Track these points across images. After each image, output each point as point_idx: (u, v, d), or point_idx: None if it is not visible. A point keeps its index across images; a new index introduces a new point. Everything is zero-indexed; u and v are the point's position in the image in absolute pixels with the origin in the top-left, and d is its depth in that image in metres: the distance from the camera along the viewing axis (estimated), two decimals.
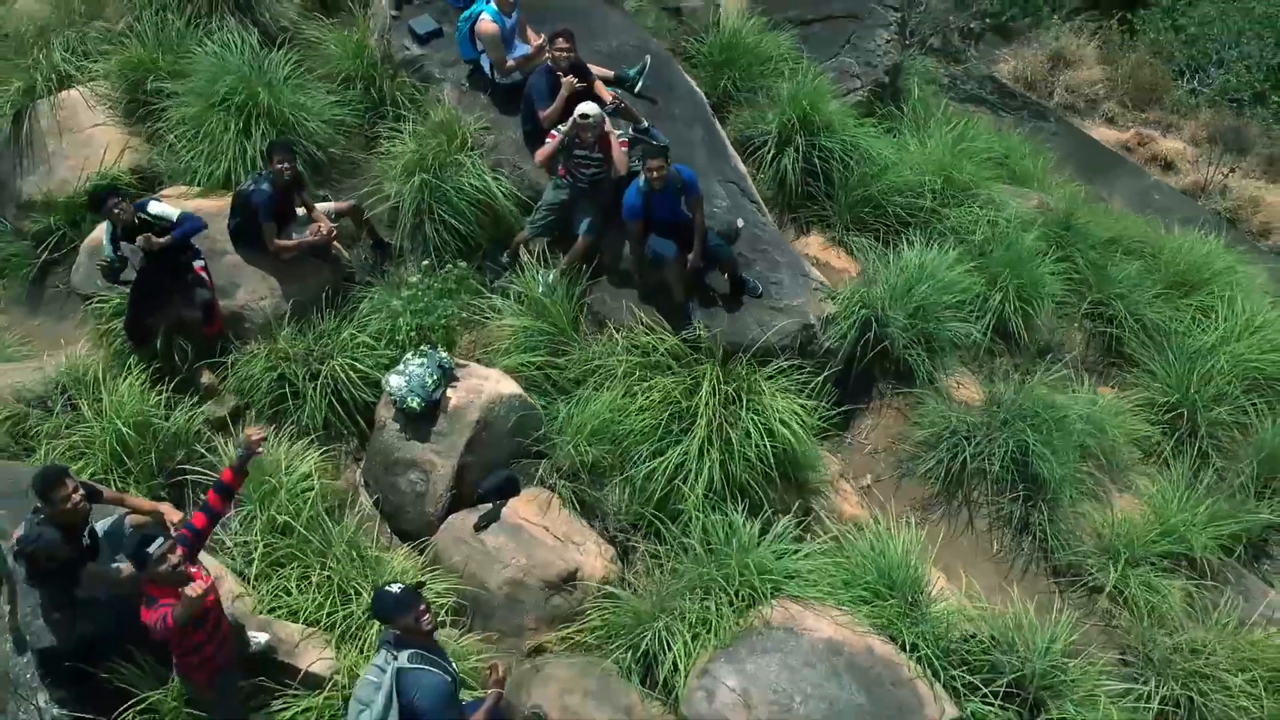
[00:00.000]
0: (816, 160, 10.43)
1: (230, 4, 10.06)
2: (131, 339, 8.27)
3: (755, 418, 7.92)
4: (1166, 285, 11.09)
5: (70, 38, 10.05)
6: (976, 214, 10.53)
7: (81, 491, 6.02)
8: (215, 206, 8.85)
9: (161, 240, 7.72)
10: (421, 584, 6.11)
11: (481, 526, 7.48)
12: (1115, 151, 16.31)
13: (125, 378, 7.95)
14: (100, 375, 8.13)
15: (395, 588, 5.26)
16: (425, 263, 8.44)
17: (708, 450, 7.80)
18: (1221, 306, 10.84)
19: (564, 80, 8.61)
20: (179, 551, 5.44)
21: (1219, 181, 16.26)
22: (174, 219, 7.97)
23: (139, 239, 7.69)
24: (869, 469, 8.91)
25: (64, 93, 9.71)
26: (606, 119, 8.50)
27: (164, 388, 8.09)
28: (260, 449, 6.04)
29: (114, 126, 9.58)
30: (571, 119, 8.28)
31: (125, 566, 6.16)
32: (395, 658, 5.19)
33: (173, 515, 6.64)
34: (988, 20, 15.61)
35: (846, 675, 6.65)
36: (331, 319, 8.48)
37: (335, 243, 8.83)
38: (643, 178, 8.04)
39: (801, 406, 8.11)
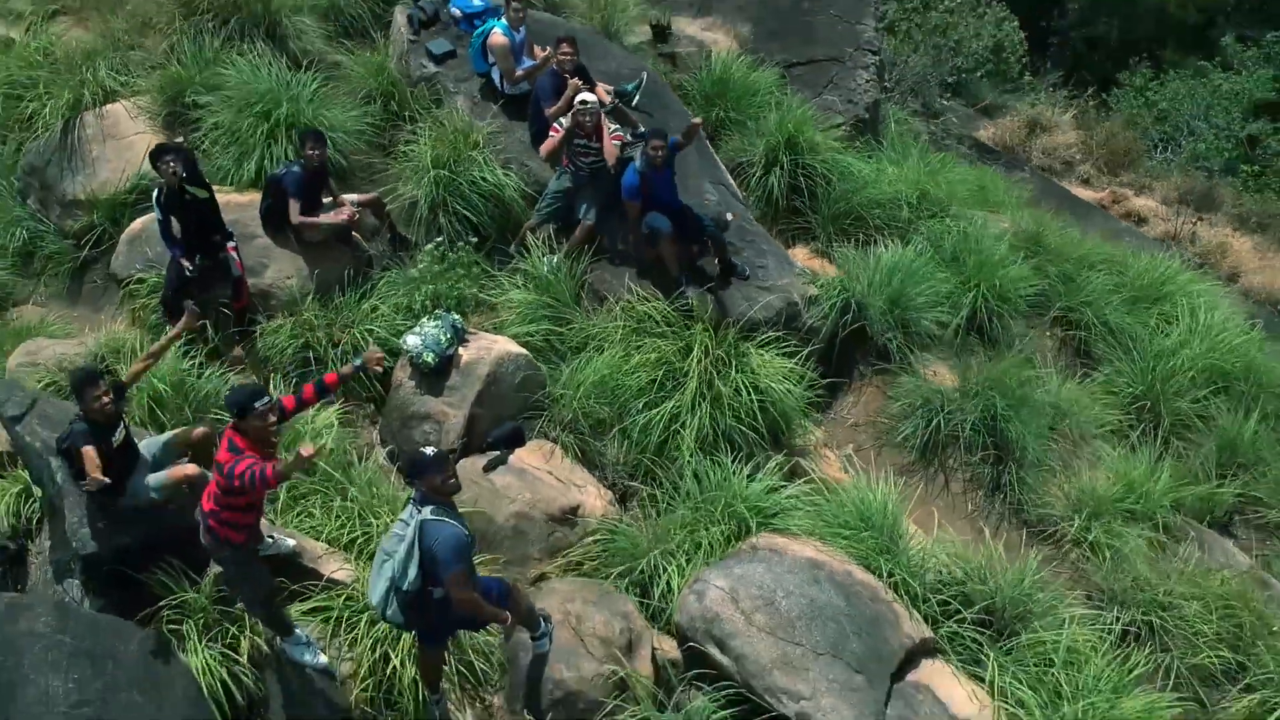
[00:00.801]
0: (801, 178, 11.25)
1: (260, 32, 10.96)
2: (168, 314, 8.93)
3: (743, 376, 8.56)
4: (1131, 297, 11.82)
5: (114, 60, 10.91)
6: (950, 226, 11.29)
7: (111, 395, 6.62)
8: (246, 200, 9.62)
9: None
10: (452, 451, 6.66)
11: (490, 469, 8.06)
12: (1090, 203, 17.16)
13: None
14: (137, 347, 8.77)
15: (429, 450, 5.86)
16: (439, 238, 9.17)
17: (699, 403, 8.44)
18: (1183, 314, 11.55)
19: (570, 82, 9.47)
20: (272, 417, 6.04)
21: (1189, 230, 17.08)
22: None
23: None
24: (851, 440, 9.52)
25: (108, 106, 10.54)
26: (603, 112, 9.31)
27: (197, 356, 8.71)
28: (379, 368, 6.62)
29: (153, 134, 10.36)
30: (572, 110, 9.12)
31: (174, 470, 6.80)
32: (419, 512, 5.76)
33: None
34: (964, 75, 16.52)
35: (827, 584, 7.18)
36: (353, 296, 9.17)
37: (355, 233, 9.57)
38: (639, 159, 8.82)
39: (788, 368, 8.74)
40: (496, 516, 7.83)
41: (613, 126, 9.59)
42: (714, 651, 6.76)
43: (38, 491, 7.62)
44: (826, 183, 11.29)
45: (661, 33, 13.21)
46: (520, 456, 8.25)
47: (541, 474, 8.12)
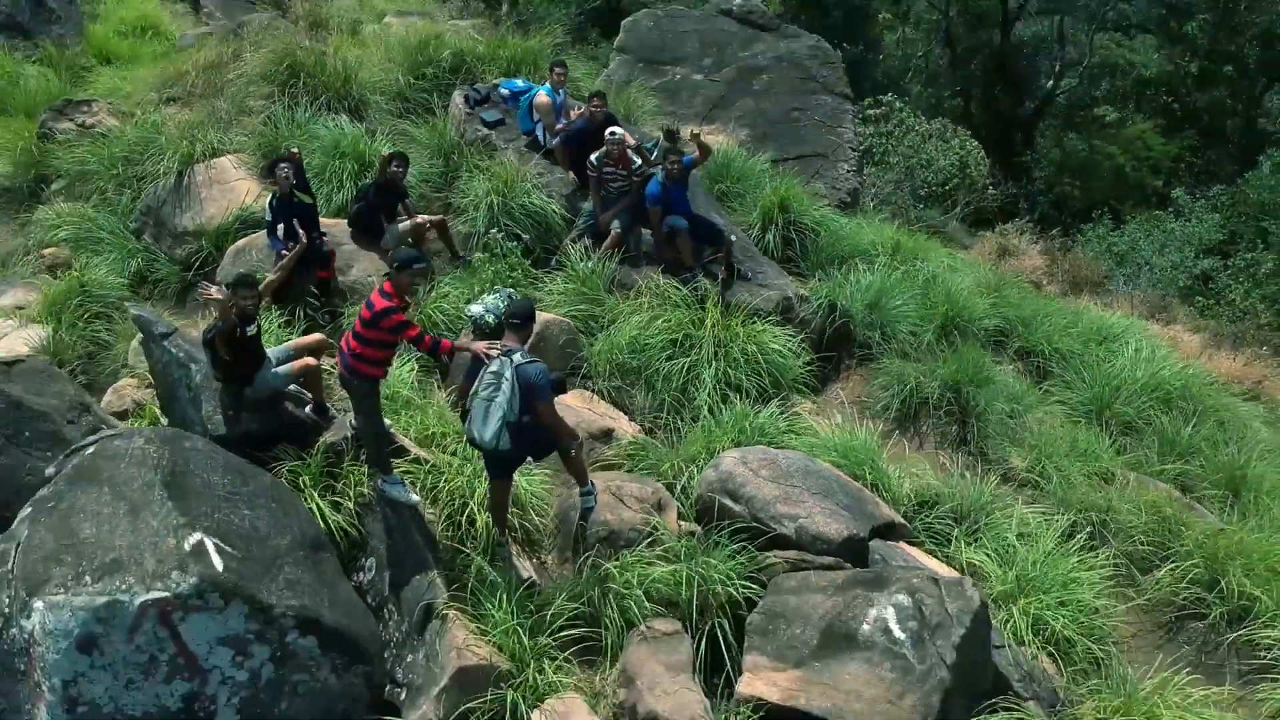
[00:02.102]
0: (793, 234, 13.26)
1: (343, 106, 13.25)
2: (275, 300, 10.78)
3: (749, 342, 10.37)
4: (1084, 339, 13.66)
5: (219, 129, 13.16)
6: (920, 267, 13.29)
7: (254, 301, 8.41)
8: (333, 223, 11.63)
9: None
10: None
11: None
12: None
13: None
14: None
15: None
16: (495, 230, 11.15)
17: (713, 360, 10.21)
18: (1128, 350, 13.38)
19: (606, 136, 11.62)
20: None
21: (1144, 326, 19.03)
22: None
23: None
24: (838, 413, 11.19)
25: (215, 159, 12.70)
26: (627, 143, 11.43)
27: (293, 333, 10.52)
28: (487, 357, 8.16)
29: (252, 180, 12.48)
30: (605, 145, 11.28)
31: (296, 363, 8.54)
32: (511, 361, 7.48)
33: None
34: (934, 189, 18.87)
35: (821, 466, 8.82)
36: (422, 290, 11.06)
37: (423, 244, 11.56)
38: (661, 172, 10.90)
39: (785, 340, 10.57)
40: None
41: (637, 162, 11.66)
42: (727, 501, 8.34)
43: (164, 420, 9.32)
44: (815, 236, 13.32)
45: (671, 136, 15.53)
46: (563, 400, 9.93)
47: (582, 410, 9.81)
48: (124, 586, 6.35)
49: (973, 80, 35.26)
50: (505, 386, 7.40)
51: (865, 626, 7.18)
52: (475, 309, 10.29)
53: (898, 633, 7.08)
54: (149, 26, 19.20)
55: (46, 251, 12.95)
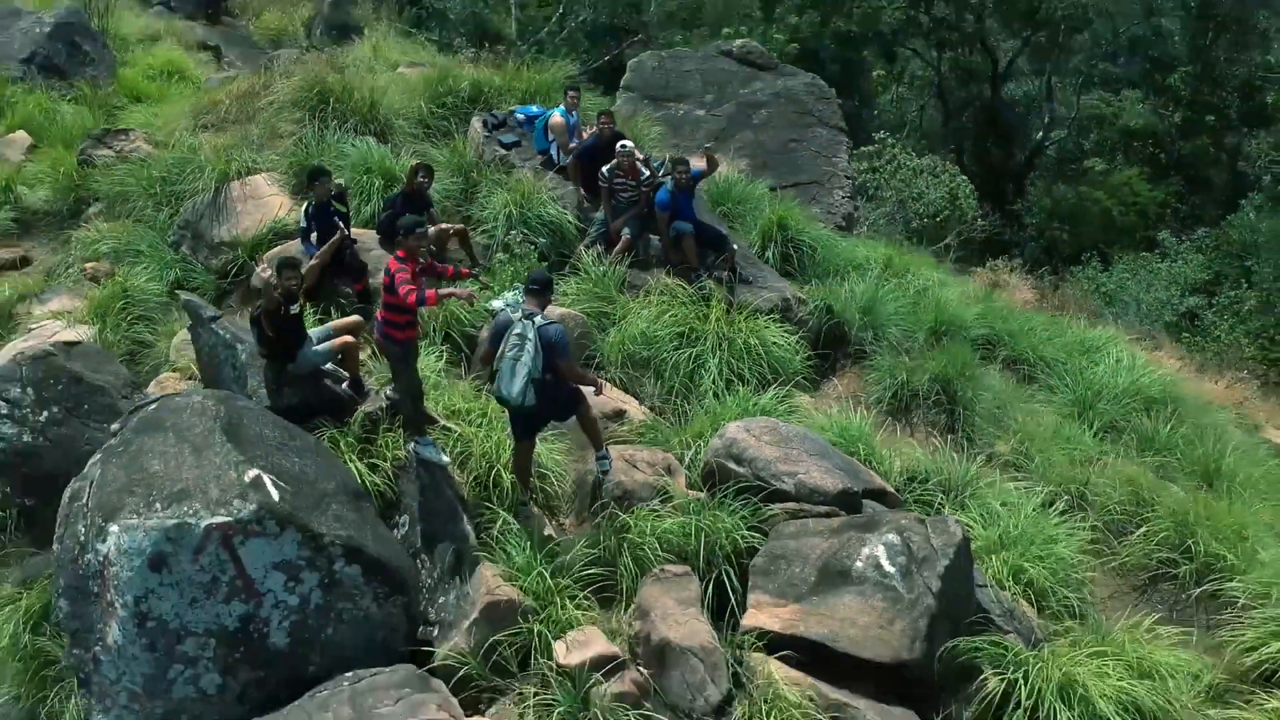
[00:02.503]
0: (791, 250, 14.10)
1: (369, 129, 14.17)
2: (308, 298, 11.56)
3: (751, 335, 11.15)
4: (1067, 350, 14.45)
5: (252, 150, 14.06)
6: (911, 280, 14.11)
7: (298, 282, 9.19)
8: (361, 233, 12.45)
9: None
10: None
11: None
12: None
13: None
14: None
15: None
16: (514, 231, 11.98)
17: (716, 350, 10.98)
18: (1110, 358, 14.15)
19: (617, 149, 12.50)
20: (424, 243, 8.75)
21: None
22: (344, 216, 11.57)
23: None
24: (834, 405, 11.93)
25: (250, 177, 13.56)
26: (636, 156, 12.30)
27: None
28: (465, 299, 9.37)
29: (285, 195, 13.32)
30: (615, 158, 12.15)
31: (334, 340, 9.32)
32: (532, 323, 8.26)
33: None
34: (925, 220, 19.79)
35: (818, 436, 9.56)
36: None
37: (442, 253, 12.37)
38: (671, 181, 11.76)
39: (784, 335, 11.36)
40: None
41: (644, 173, 12.52)
42: (731, 464, 9.05)
43: None
44: (812, 252, 14.16)
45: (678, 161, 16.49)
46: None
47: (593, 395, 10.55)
48: (191, 511, 7.08)
49: (965, 133, 36.46)
50: (529, 346, 8.17)
51: (858, 563, 7.88)
52: (496, 304, 10.97)
53: (888, 567, 7.78)
54: (175, 71, 20.26)
55: (89, 265, 13.76)
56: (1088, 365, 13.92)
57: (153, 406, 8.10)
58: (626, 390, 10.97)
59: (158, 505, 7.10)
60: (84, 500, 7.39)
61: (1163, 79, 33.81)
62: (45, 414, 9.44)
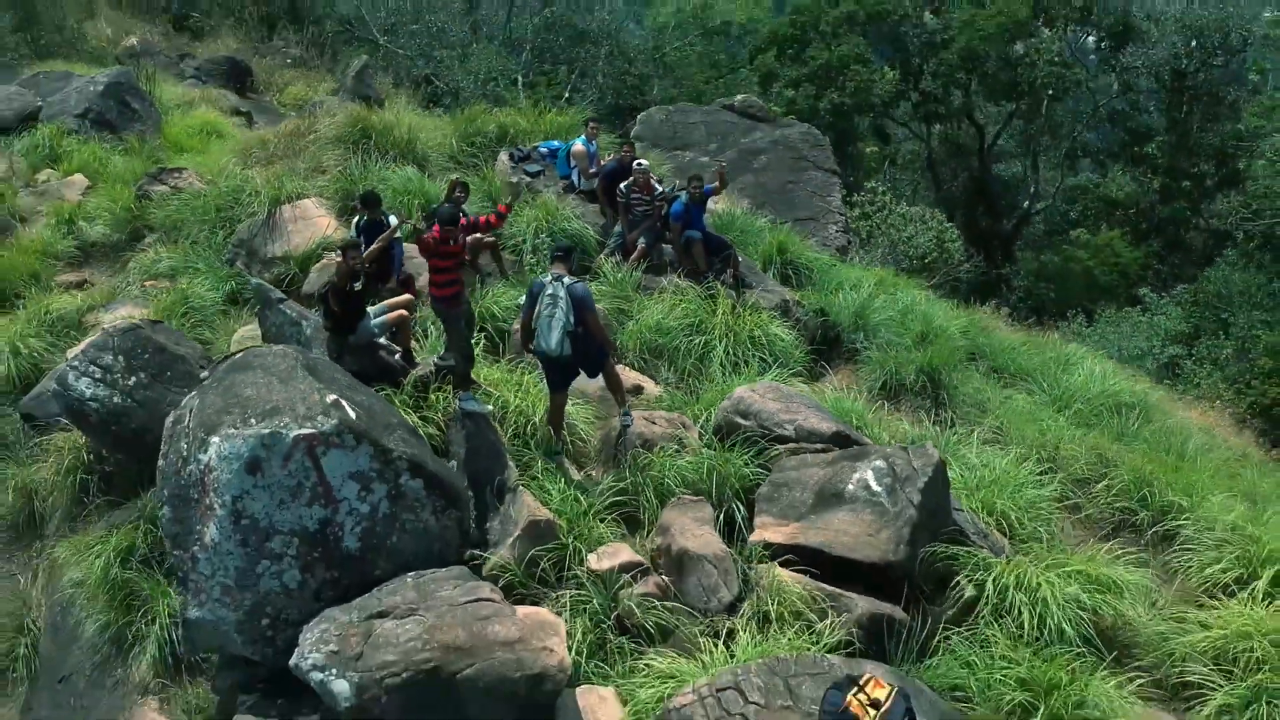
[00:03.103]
0: (790, 272, 15.50)
1: (408, 159, 15.66)
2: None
3: (755, 326, 12.48)
4: (1045, 363, 15.75)
5: (300, 180, 15.54)
6: (899, 297, 15.47)
7: (361, 260, 10.51)
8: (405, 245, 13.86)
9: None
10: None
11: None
12: None
13: None
14: None
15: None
16: (545, 237, 13.37)
17: (723, 338, 12.29)
18: (1082, 369, 15.45)
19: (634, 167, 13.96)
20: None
21: None
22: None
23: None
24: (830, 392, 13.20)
25: (300, 200, 15.00)
26: (651, 175, 13.75)
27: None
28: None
29: (332, 216, 14.75)
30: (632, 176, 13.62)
31: (389, 315, 10.64)
32: (562, 284, 9.59)
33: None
34: (914, 261, 21.24)
35: (816, 400, 10.83)
36: (479, 293, 13.21)
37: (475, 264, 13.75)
38: (685, 195, 13.21)
39: (785, 329, 12.68)
40: (588, 389, 11.47)
41: (657, 188, 13.95)
42: (738, 419, 10.30)
43: None
44: (810, 273, 15.55)
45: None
46: None
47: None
48: (281, 424, 8.31)
49: (955, 203, 38.23)
50: (561, 303, 9.50)
51: (850, 485, 9.10)
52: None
53: (875, 487, 9.00)
54: (213, 130, 21.86)
55: (149, 282, 15.13)
56: (1064, 375, 15.20)
57: (239, 354, 9.37)
58: (643, 372, 12.24)
59: (253, 420, 8.33)
60: (185, 423, 8.62)
61: (1141, 149, 35.67)
62: (134, 379, 10.66)
